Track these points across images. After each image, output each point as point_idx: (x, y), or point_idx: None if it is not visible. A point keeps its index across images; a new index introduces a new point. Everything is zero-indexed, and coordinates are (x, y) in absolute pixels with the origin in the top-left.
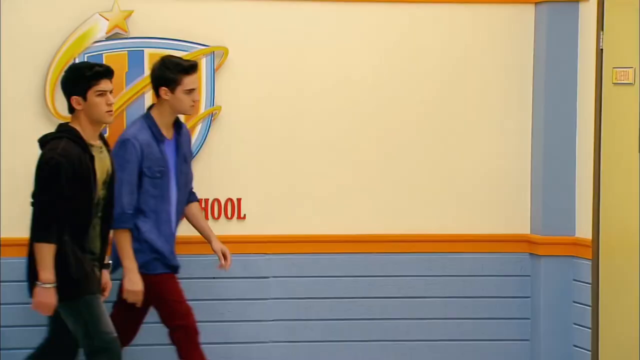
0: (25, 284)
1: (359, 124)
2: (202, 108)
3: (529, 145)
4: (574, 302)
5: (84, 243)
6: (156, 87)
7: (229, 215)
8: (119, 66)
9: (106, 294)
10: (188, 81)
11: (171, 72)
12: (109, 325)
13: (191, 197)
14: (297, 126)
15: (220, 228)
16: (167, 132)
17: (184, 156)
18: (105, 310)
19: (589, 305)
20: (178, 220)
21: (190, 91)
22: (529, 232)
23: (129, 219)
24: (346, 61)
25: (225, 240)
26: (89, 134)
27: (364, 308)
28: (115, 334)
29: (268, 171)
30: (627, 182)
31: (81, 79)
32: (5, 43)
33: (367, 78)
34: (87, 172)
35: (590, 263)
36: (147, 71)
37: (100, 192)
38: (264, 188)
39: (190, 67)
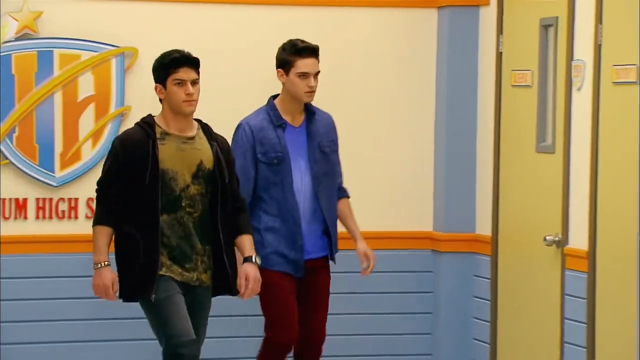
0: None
1: None
2: (112, 108)
3: (431, 145)
4: (474, 296)
5: (154, 239)
6: (276, 69)
7: None
8: (29, 67)
9: (251, 284)
10: (301, 64)
11: (286, 54)
12: (178, 328)
13: (339, 192)
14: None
15: None
16: (293, 118)
17: (319, 145)
18: (178, 310)
19: (488, 300)
20: (317, 213)
21: (304, 75)
22: (431, 229)
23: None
24: (252, 61)
25: None
26: (173, 124)
27: None
28: (189, 338)
29: None
30: (525, 180)
31: (161, 66)
32: None
33: (272, 79)
34: (145, 156)
35: (489, 259)
36: (57, 71)
37: (186, 184)
38: None
39: (305, 49)
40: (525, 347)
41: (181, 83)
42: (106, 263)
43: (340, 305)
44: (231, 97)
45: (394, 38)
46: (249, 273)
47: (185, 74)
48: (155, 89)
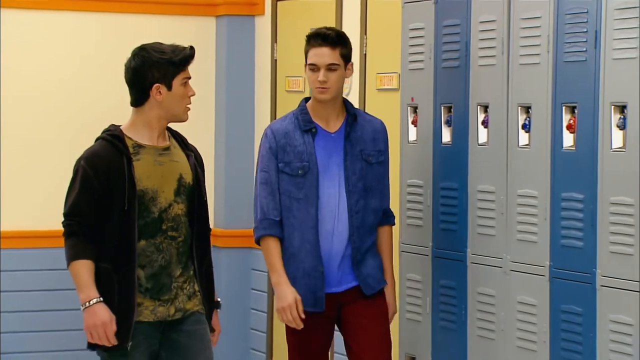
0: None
1: (61, 125)
2: None
3: (212, 147)
4: (252, 288)
5: (130, 273)
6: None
7: None
8: None
9: (214, 338)
10: (310, 54)
11: (305, 44)
12: None
13: (382, 218)
14: (6, 127)
15: None
16: (327, 123)
17: (361, 153)
18: None
19: (265, 292)
20: (355, 236)
21: (313, 67)
22: (212, 226)
23: (270, 226)
24: (47, 67)
25: None
26: (146, 134)
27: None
28: None
29: None
30: None
31: (170, 64)
32: None
33: (64, 84)
34: (121, 178)
35: None
36: None
37: (168, 203)
38: None
39: (314, 37)
40: None
41: (186, 83)
42: (99, 299)
43: None
44: (32, 103)
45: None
46: (215, 324)
47: (188, 72)
48: (152, 90)
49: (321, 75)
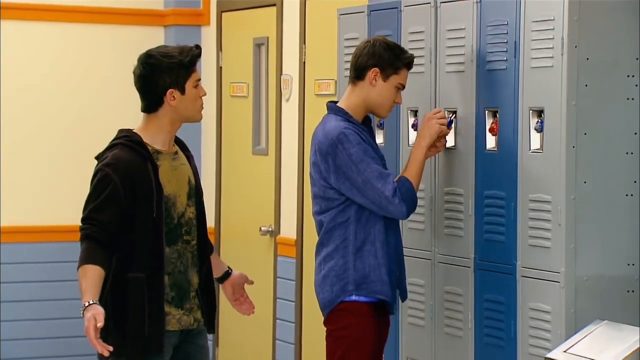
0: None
1: (34, 127)
2: None
3: None
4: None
5: (161, 280)
6: (364, 67)
7: None
8: None
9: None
10: (404, 75)
11: (393, 55)
12: None
13: None
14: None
15: None
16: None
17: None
18: None
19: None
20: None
21: (400, 89)
22: None
23: (401, 192)
24: (21, 73)
25: None
26: (161, 139)
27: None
28: None
29: None
30: (243, 179)
31: (180, 66)
32: None
33: (60, 85)
34: (148, 184)
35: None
36: None
37: (184, 207)
38: None
39: (412, 62)
40: (243, 323)
41: (198, 85)
42: (95, 302)
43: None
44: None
45: (126, 52)
46: (245, 279)
47: (199, 74)
48: (165, 95)
49: (401, 97)
